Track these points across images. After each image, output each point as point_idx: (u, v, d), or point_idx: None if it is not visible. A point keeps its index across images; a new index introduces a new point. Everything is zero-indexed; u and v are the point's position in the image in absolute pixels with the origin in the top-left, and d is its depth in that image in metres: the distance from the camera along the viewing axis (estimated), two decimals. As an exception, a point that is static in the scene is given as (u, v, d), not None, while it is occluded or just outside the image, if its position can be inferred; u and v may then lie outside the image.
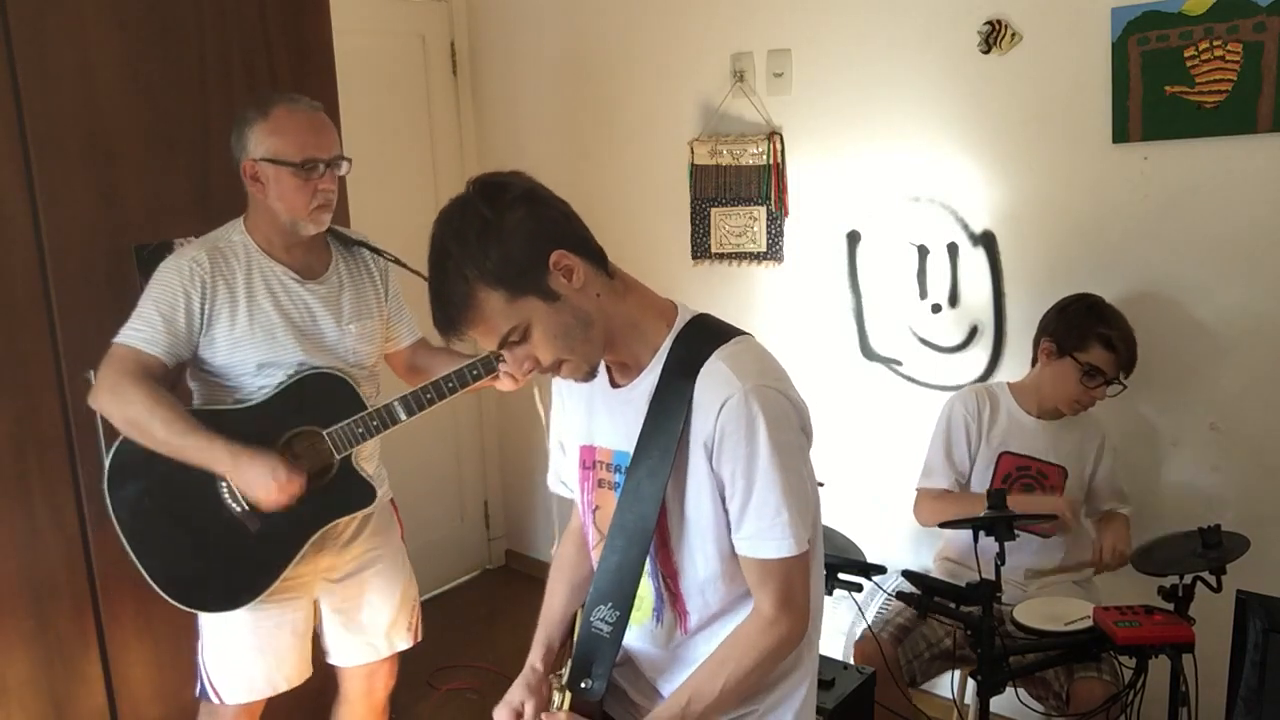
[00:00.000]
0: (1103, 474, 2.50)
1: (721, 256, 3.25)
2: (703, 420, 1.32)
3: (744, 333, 1.41)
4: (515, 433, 4.11)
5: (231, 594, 2.02)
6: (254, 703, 2.15)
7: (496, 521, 4.25)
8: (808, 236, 3.10)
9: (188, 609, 2.01)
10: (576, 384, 1.46)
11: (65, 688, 2.33)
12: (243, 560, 2.00)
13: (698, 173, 3.22)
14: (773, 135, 3.07)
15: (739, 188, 3.16)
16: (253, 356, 1.99)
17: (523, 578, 4.08)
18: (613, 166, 3.51)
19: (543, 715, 1.45)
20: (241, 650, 2.10)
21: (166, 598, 1.99)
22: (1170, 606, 2.07)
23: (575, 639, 1.48)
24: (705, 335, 1.38)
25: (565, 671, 1.50)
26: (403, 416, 2.03)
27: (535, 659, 1.56)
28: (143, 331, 1.93)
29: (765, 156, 3.08)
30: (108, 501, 1.98)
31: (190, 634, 2.15)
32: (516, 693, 1.51)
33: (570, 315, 1.31)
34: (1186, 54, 2.35)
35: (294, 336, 2.02)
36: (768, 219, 3.14)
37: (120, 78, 2.30)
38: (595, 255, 1.34)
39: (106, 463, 1.98)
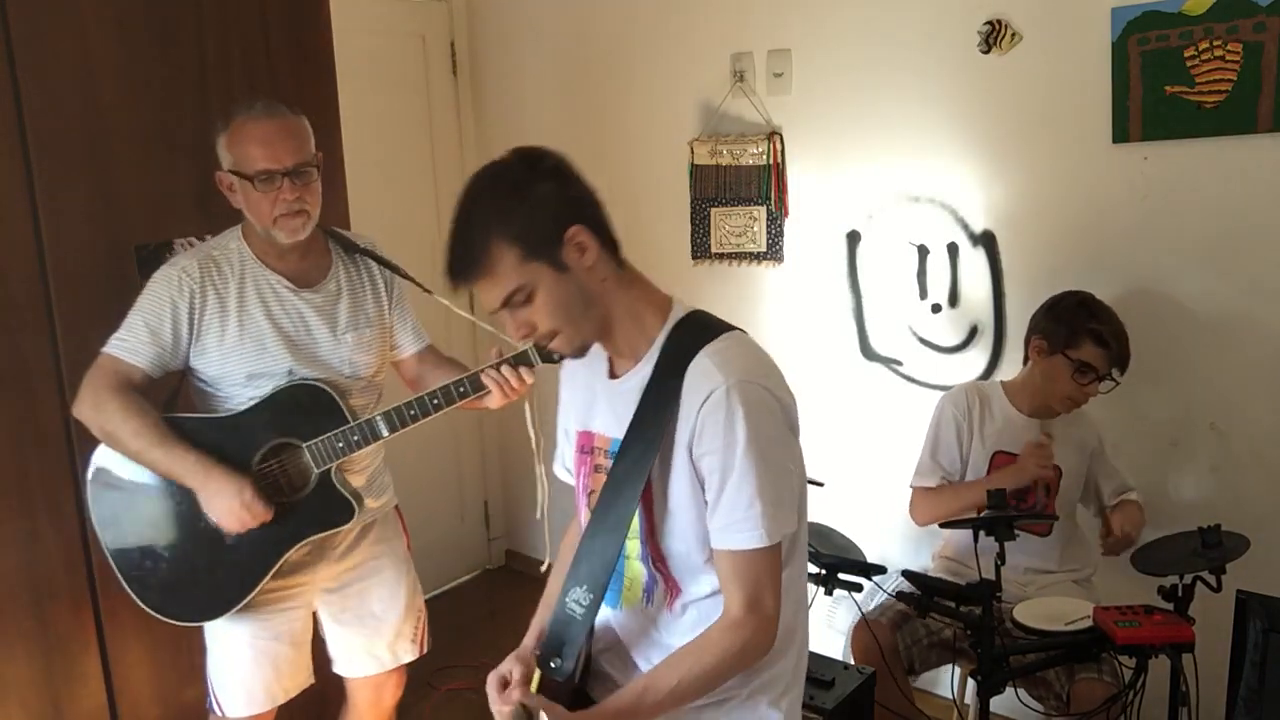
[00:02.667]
0: (1103, 470, 2.50)
1: (721, 256, 3.25)
2: (686, 415, 1.35)
3: (736, 329, 1.43)
4: (515, 433, 4.11)
5: (207, 606, 2.01)
6: (257, 715, 2.13)
7: (496, 521, 4.25)
8: (808, 236, 3.10)
9: (165, 619, 2.01)
10: (580, 374, 1.52)
11: (65, 688, 2.33)
12: (219, 571, 1.99)
13: (698, 173, 3.22)
14: (773, 135, 3.07)
15: (739, 188, 3.17)
16: (242, 367, 1.97)
17: (523, 578, 4.08)
18: (613, 166, 3.51)
19: (499, 692, 1.46)
20: (239, 663, 2.09)
21: (144, 607, 2.00)
22: (1170, 606, 2.06)
23: (550, 619, 1.50)
24: (696, 331, 1.41)
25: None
26: (384, 432, 1.98)
27: (529, 636, 1.58)
28: (127, 342, 1.92)
29: (765, 156, 3.08)
30: (89, 507, 1.99)
31: (190, 635, 2.15)
32: (507, 663, 1.53)
33: (575, 289, 1.35)
34: (1186, 54, 2.35)
35: (285, 346, 1.99)
36: (768, 219, 3.14)
37: (120, 78, 2.30)
38: (610, 242, 1.39)
39: (89, 469, 1.99)
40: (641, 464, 1.38)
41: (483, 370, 1.96)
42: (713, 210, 3.23)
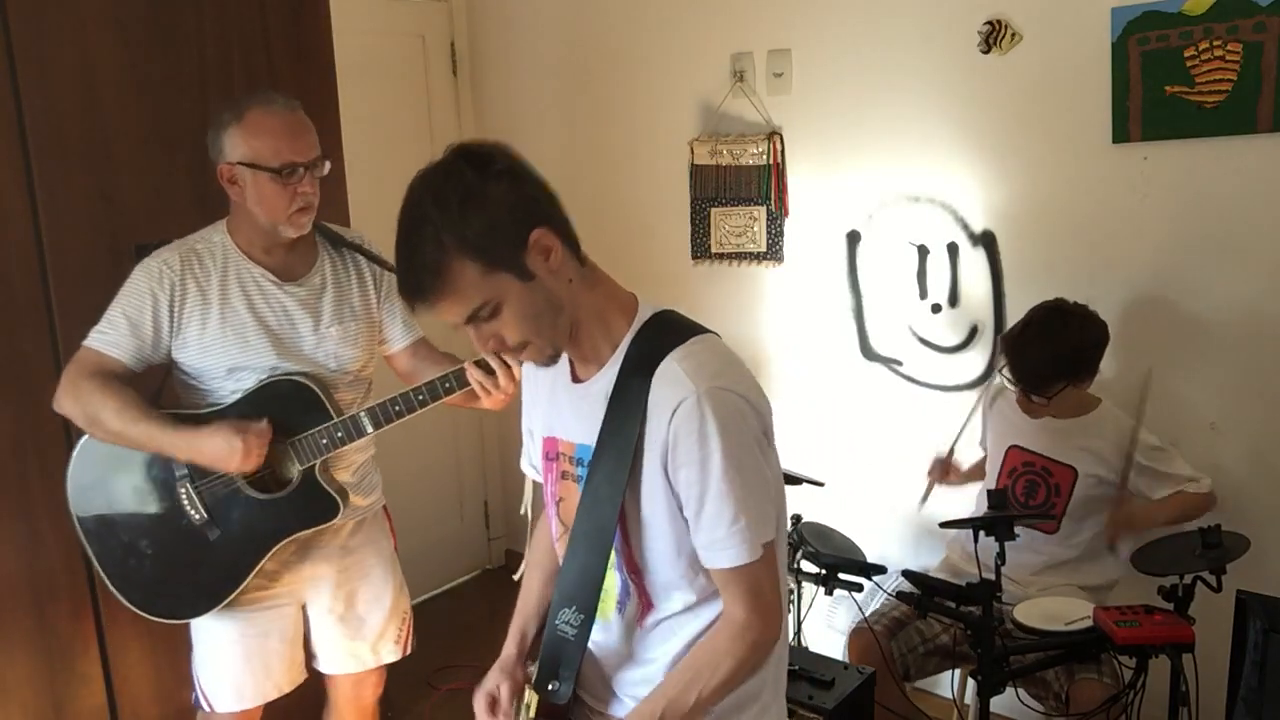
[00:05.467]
0: (1143, 475, 2.40)
1: (721, 256, 3.25)
2: (657, 424, 1.30)
3: (705, 331, 1.38)
4: (515, 433, 4.10)
5: (191, 604, 2.01)
6: (247, 710, 2.12)
7: (496, 521, 4.25)
8: (808, 236, 3.09)
9: (151, 617, 2.00)
10: (542, 373, 1.45)
11: (65, 688, 2.33)
12: (204, 569, 1.98)
13: (698, 172, 3.22)
14: (773, 135, 3.07)
15: (739, 188, 3.16)
16: (223, 360, 1.95)
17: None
18: (613, 166, 3.51)
19: (488, 713, 1.45)
20: (229, 659, 2.08)
21: (129, 605, 1.99)
22: (1170, 606, 2.06)
23: (543, 641, 1.47)
24: (664, 333, 1.35)
25: (534, 671, 1.51)
26: (369, 428, 1.94)
27: (510, 646, 1.56)
28: (107, 335, 1.91)
29: (765, 156, 3.08)
30: (71, 506, 1.98)
31: (189, 635, 2.15)
32: (492, 678, 1.51)
33: (542, 297, 1.28)
34: (1186, 54, 2.35)
35: (267, 340, 1.97)
36: (768, 219, 3.14)
37: (120, 78, 2.30)
38: (572, 240, 1.32)
39: (68, 468, 1.97)
40: (616, 477, 1.33)
41: (466, 366, 1.92)
42: (713, 210, 3.23)
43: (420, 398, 1.94)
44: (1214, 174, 2.40)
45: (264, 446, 1.88)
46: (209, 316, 1.94)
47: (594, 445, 1.36)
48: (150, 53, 2.35)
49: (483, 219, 1.22)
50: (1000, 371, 2.44)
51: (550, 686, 1.43)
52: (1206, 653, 2.05)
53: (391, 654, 2.26)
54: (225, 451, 1.85)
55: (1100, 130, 2.51)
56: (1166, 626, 2.00)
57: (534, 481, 1.63)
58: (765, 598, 1.34)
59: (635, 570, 1.40)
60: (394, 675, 2.38)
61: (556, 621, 1.43)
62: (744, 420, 1.30)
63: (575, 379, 1.41)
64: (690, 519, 1.32)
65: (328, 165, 1.97)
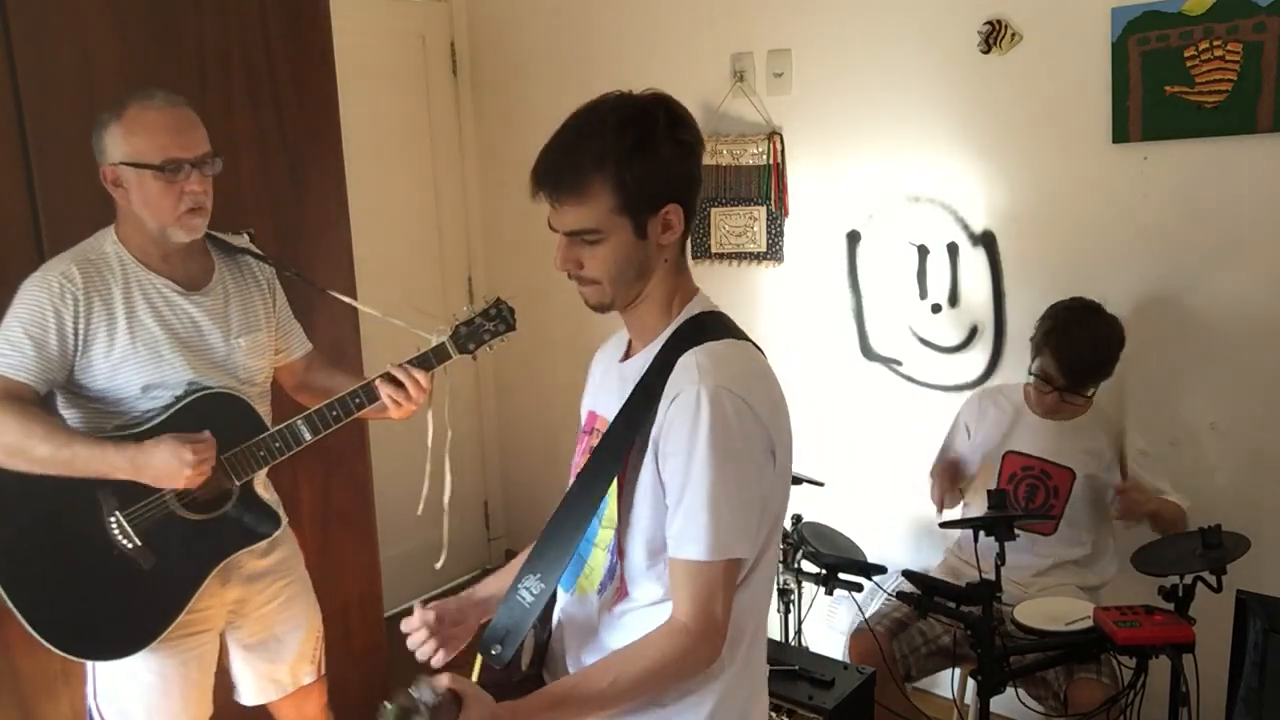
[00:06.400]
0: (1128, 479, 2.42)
1: (721, 256, 3.25)
2: (659, 412, 1.31)
3: (745, 338, 1.39)
4: (515, 432, 4.11)
5: (125, 639, 1.85)
6: None
7: (496, 521, 4.25)
8: (808, 236, 3.09)
9: (77, 659, 1.85)
10: (605, 355, 1.51)
11: (65, 688, 2.32)
12: (136, 601, 1.84)
13: (698, 173, 3.22)
14: (773, 135, 3.07)
15: (739, 188, 3.16)
16: (137, 378, 1.83)
17: (523, 578, 4.08)
18: (613, 166, 3.50)
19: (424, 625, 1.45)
20: (141, 691, 1.92)
21: (53, 649, 1.79)
22: (1170, 606, 2.06)
23: (500, 605, 1.45)
24: (698, 330, 1.37)
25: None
26: (307, 436, 1.88)
27: (482, 588, 1.56)
28: (10, 357, 1.75)
29: (765, 156, 3.08)
30: None
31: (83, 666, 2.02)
32: (453, 603, 1.51)
33: (639, 257, 1.33)
34: (1186, 54, 2.35)
35: (181, 354, 1.85)
36: (768, 219, 3.14)
37: (120, 78, 2.30)
38: (688, 229, 1.38)
39: None
40: (617, 453, 1.34)
41: (394, 366, 1.89)
42: (713, 210, 3.23)
43: (357, 400, 1.91)
44: (1214, 174, 2.40)
45: (212, 458, 1.78)
46: (116, 333, 1.81)
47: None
48: (150, 52, 2.35)
49: (645, 168, 1.28)
50: (1033, 372, 2.39)
51: (493, 650, 1.40)
52: (1206, 653, 2.05)
53: (309, 675, 2.17)
54: (174, 465, 1.73)
55: (1100, 130, 2.51)
56: (1166, 627, 2.00)
57: None
58: (713, 615, 1.28)
59: (621, 554, 1.39)
60: (392, 676, 2.37)
61: (518, 586, 1.42)
62: (743, 426, 1.28)
63: (625, 357, 1.46)
64: (670, 508, 1.31)
65: (218, 163, 1.85)
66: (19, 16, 2.15)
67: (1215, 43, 2.30)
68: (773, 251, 3.16)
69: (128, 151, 1.78)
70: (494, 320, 1.98)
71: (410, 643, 1.50)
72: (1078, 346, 2.33)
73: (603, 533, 1.41)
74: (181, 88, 2.38)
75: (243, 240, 2.07)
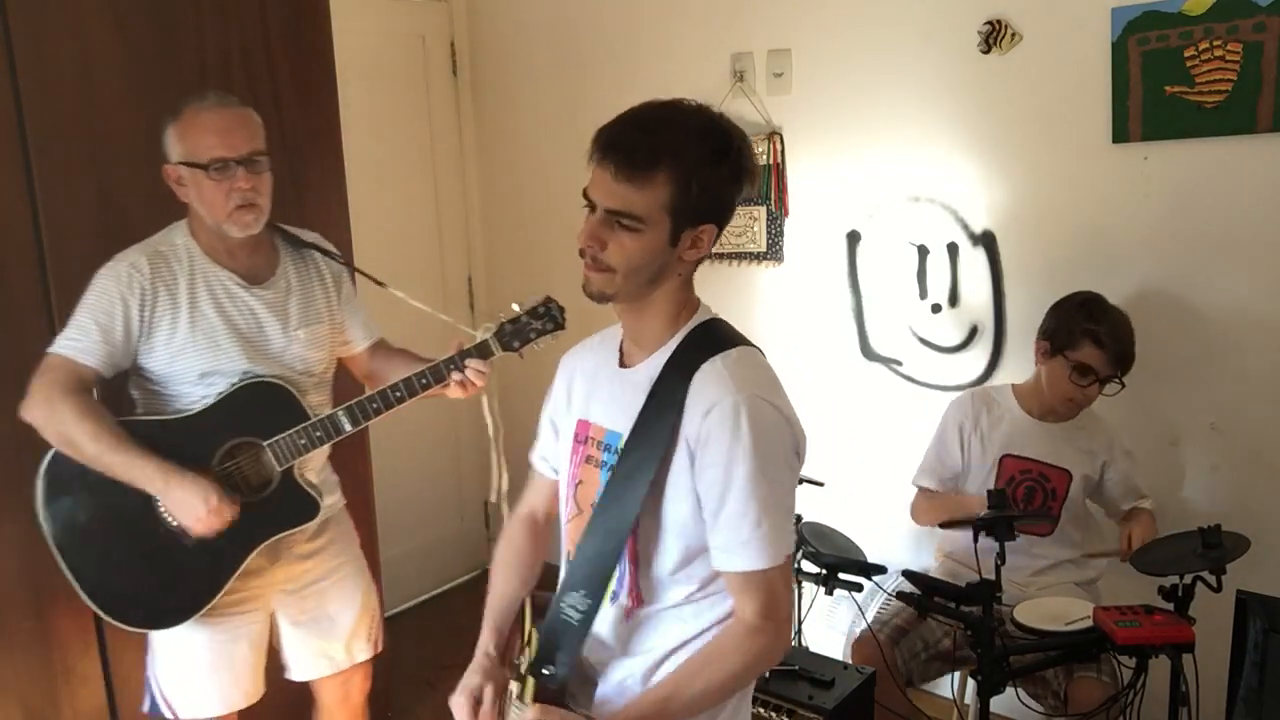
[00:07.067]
0: (1115, 476, 2.48)
1: (721, 256, 3.25)
2: (691, 419, 1.33)
3: (747, 343, 1.42)
4: (516, 432, 4.11)
5: (170, 611, 1.96)
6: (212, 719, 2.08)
7: (496, 521, 4.25)
8: (808, 236, 3.09)
9: (126, 627, 1.96)
10: (584, 361, 1.52)
11: (65, 688, 2.33)
12: (181, 576, 1.94)
13: (698, 173, 3.22)
14: (773, 135, 3.07)
15: (741, 193, 3.16)
16: (195, 365, 1.93)
17: (523, 578, 4.08)
18: (613, 166, 3.50)
19: (513, 708, 1.43)
20: (196, 665, 2.03)
21: (104, 616, 1.94)
22: (1170, 606, 2.07)
23: (544, 624, 1.46)
24: (711, 338, 1.40)
25: (522, 660, 1.50)
26: (347, 427, 1.96)
27: (488, 645, 1.56)
28: (78, 341, 1.87)
29: (765, 156, 3.08)
30: (41, 516, 1.92)
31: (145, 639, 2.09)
32: (474, 678, 1.49)
33: (660, 261, 1.34)
34: (1186, 54, 2.35)
35: (238, 344, 1.96)
36: (768, 219, 3.14)
37: (120, 78, 2.30)
38: (709, 253, 1.41)
39: (40, 475, 1.92)
40: (646, 465, 1.35)
41: (444, 363, 1.97)
42: (713, 210, 3.22)
43: (397, 394, 1.97)
44: (1214, 174, 2.40)
45: (225, 523, 1.87)
46: (179, 321, 1.92)
47: (625, 433, 1.38)
48: (150, 53, 2.35)
49: (709, 180, 1.32)
50: (1073, 364, 2.32)
51: (546, 670, 1.42)
52: (1206, 653, 2.05)
53: (364, 652, 2.24)
54: (196, 504, 1.83)
55: (1100, 130, 2.51)
56: (1166, 626, 2.00)
57: (543, 477, 1.64)
58: (781, 609, 1.35)
59: (635, 562, 1.41)
60: (394, 676, 2.37)
61: (562, 604, 1.42)
62: (779, 434, 1.33)
63: (622, 365, 1.46)
64: (709, 519, 1.33)
65: (266, 164, 1.94)
66: (19, 16, 2.15)
67: (1215, 43, 2.30)
68: (773, 251, 3.16)
69: (183, 151, 1.90)
70: (542, 319, 2.03)
71: None
72: (1119, 330, 2.32)
73: None
74: (181, 88, 2.40)
75: (312, 236, 2.15)
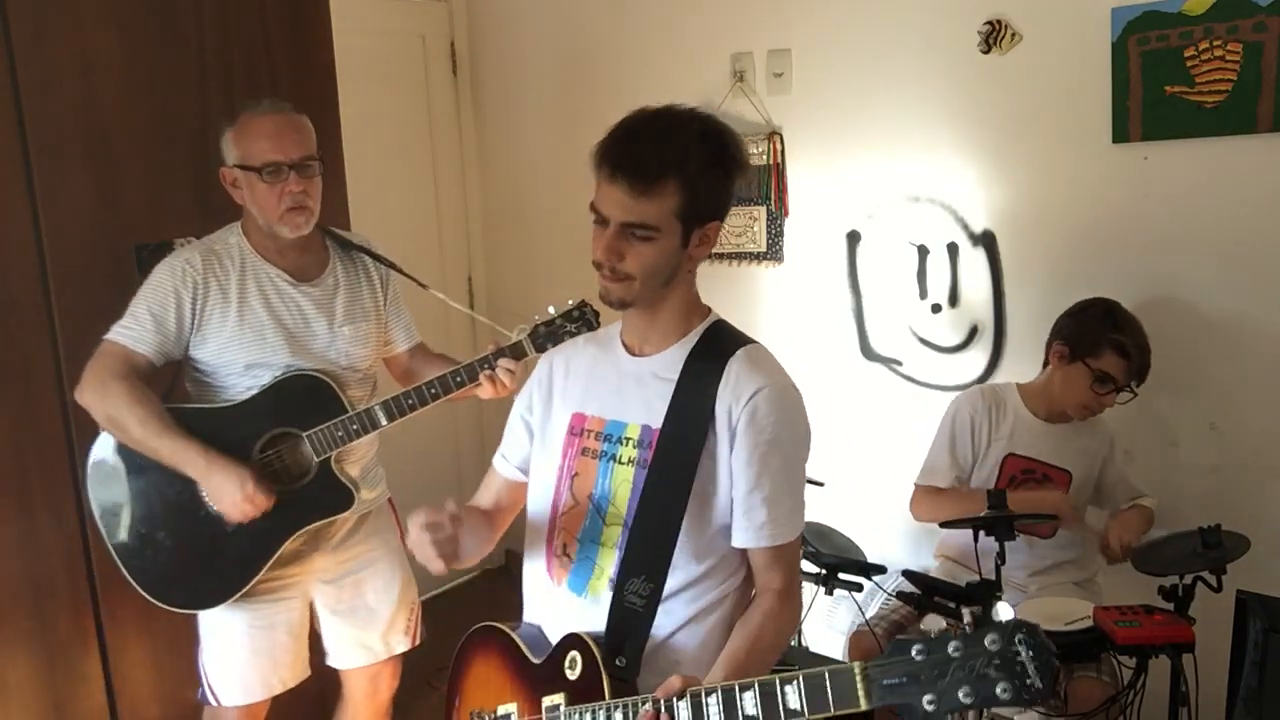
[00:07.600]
0: (1113, 476, 2.48)
1: (721, 256, 3.25)
2: (732, 407, 1.39)
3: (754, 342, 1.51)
4: (515, 433, 4.10)
5: (209, 593, 2.03)
6: (254, 704, 2.15)
7: (496, 521, 4.25)
8: (808, 236, 3.09)
9: (167, 607, 2.02)
10: (575, 359, 1.55)
11: (65, 688, 2.33)
12: (221, 559, 2.01)
13: (698, 173, 3.22)
14: (773, 135, 3.07)
15: (739, 188, 3.16)
16: (241, 357, 2.01)
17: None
18: (613, 166, 3.50)
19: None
20: (236, 651, 2.10)
21: (146, 596, 2.01)
22: (1170, 606, 2.07)
23: (608, 614, 1.43)
24: (730, 333, 1.49)
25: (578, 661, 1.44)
26: (383, 421, 2.02)
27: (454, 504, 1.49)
28: (133, 330, 1.96)
29: (765, 156, 3.08)
30: (89, 497, 2.01)
31: (189, 634, 2.15)
32: (442, 512, 1.45)
33: (674, 263, 1.40)
34: (1186, 54, 2.35)
35: (284, 339, 2.03)
36: (768, 219, 3.14)
37: (120, 78, 2.30)
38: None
39: (89, 459, 2.01)
40: (692, 446, 1.39)
41: (478, 361, 2.02)
42: (713, 210, 3.22)
43: (432, 391, 2.02)
44: (1214, 174, 2.40)
45: (261, 510, 1.93)
46: (228, 315, 2.00)
47: (633, 421, 1.43)
48: (150, 52, 2.35)
49: (714, 181, 1.38)
50: (1095, 374, 2.30)
51: (618, 662, 1.40)
52: (1206, 653, 2.05)
53: (402, 644, 2.29)
54: (234, 491, 1.90)
55: (1100, 130, 2.51)
56: (1166, 626, 2.00)
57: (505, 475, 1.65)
58: (799, 581, 1.49)
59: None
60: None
61: (625, 592, 1.42)
62: (806, 422, 1.47)
63: (630, 355, 1.50)
64: (740, 498, 1.40)
65: (318, 168, 2.01)
66: (19, 16, 2.15)
67: (1215, 43, 2.30)
68: (773, 251, 3.16)
69: (237, 155, 1.98)
70: (576, 322, 2.05)
71: (433, 538, 1.44)
72: (1141, 340, 2.31)
73: (610, 530, 1.42)
74: (181, 87, 2.40)
75: (360, 238, 2.24)
